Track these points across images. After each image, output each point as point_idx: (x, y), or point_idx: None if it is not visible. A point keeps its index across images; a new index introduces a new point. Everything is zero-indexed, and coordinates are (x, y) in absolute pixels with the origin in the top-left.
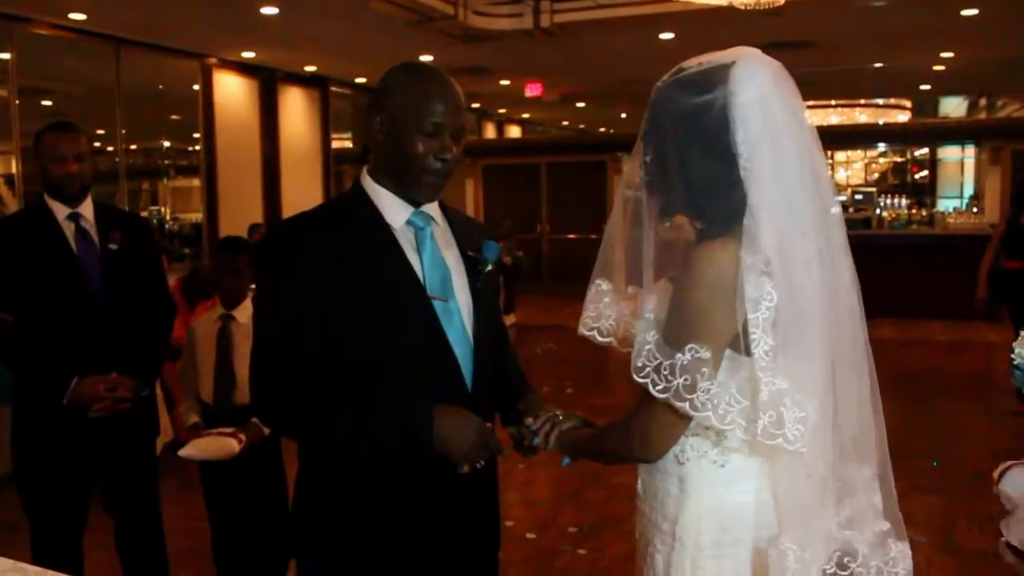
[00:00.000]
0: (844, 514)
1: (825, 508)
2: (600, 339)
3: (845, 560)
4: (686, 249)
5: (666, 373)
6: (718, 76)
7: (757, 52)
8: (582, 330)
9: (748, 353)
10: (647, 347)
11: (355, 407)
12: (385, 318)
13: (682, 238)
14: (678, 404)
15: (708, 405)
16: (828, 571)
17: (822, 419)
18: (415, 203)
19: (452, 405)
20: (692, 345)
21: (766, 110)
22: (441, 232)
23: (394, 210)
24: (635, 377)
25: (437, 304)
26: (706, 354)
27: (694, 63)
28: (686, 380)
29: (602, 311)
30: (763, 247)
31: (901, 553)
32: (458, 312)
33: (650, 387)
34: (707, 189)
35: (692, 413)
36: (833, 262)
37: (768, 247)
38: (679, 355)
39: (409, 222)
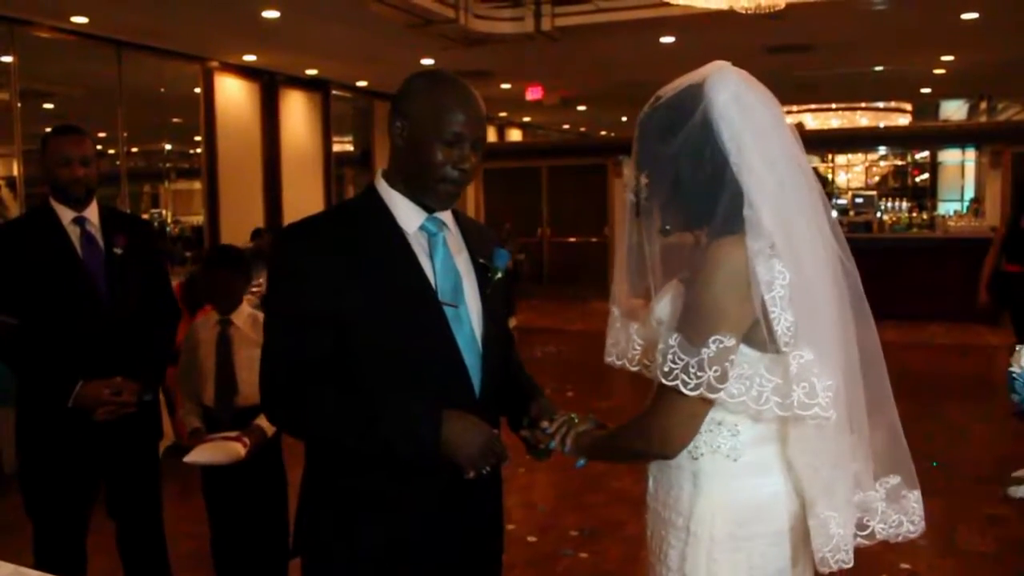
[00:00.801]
0: (849, 478)
1: (844, 474)
2: (616, 363)
3: (864, 520)
4: (692, 252)
5: (695, 370)
6: (694, 92)
7: (726, 64)
8: (607, 359)
9: (771, 336)
10: (671, 351)
11: (364, 410)
12: (397, 322)
13: (686, 241)
14: (713, 396)
15: (743, 388)
16: None
17: (839, 386)
18: (429, 209)
19: (460, 411)
20: (715, 336)
21: (744, 106)
22: (453, 238)
23: (408, 215)
24: (664, 382)
25: (447, 310)
26: (731, 342)
27: (669, 88)
28: (716, 371)
29: (617, 336)
30: (766, 230)
31: (917, 500)
32: (468, 318)
33: (681, 387)
34: (705, 198)
35: (729, 400)
36: (826, 239)
37: (771, 229)
38: (704, 349)
39: (422, 227)
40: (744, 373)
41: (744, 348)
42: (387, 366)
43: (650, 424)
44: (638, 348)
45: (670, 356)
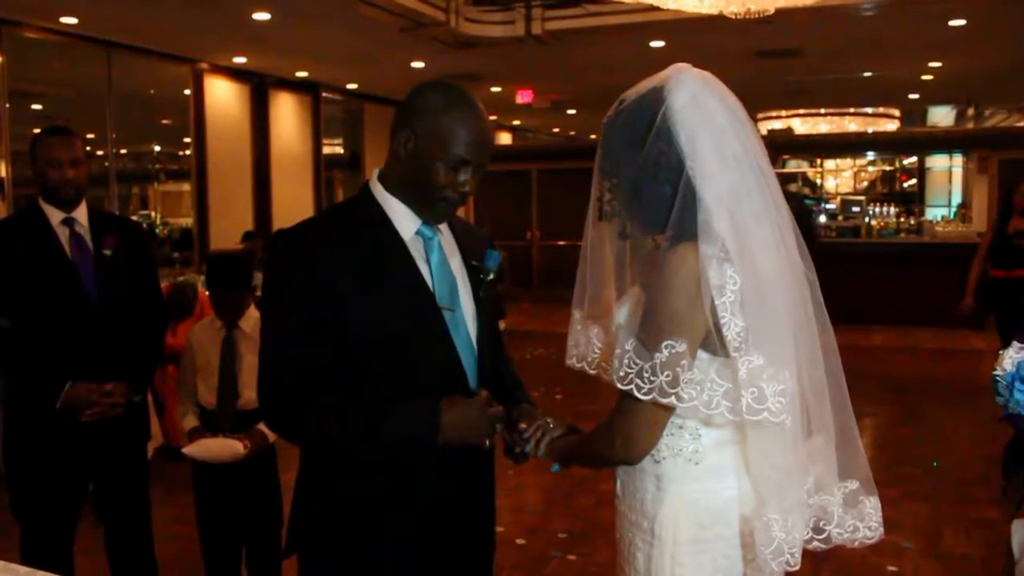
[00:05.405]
0: (810, 481)
1: (799, 477)
2: (576, 365)
3: (821, 524)
4: (652, 257)
5: (648, 375)
6: (655, 96)
7: (687, 66)
8: (568, 361)
9: (721, 341)
10: (627, 355)
11: (364, 412)
12: (398, 328)
13: (646, 247)
14: (664, 400)
15: (693, 393)
16: (805, 537)
17: (794, 390)
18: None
19: (451, 397)
20: (668, 341)
21: (700, 107)
22: (446, 240)
23: (405, 220)
24: (619, 386)
25: (445, 313)
26: (682, 347)
27: (632, 92)
28: (668, 376)
29: (578, 339)
30: (718, 233)
31: (874, 507)
32: (463, 320)
33: (635, 392)
34: (663, 202)
35: (679, 404)
36: (786, 243)
37: (722, 232)
38: (657, 354)
39: (418, 232)
40: (695, 378)
41: (699, 352)
42: (386, 370)
43: (613, 430)
44: (598, 351)
45: (626, 361)
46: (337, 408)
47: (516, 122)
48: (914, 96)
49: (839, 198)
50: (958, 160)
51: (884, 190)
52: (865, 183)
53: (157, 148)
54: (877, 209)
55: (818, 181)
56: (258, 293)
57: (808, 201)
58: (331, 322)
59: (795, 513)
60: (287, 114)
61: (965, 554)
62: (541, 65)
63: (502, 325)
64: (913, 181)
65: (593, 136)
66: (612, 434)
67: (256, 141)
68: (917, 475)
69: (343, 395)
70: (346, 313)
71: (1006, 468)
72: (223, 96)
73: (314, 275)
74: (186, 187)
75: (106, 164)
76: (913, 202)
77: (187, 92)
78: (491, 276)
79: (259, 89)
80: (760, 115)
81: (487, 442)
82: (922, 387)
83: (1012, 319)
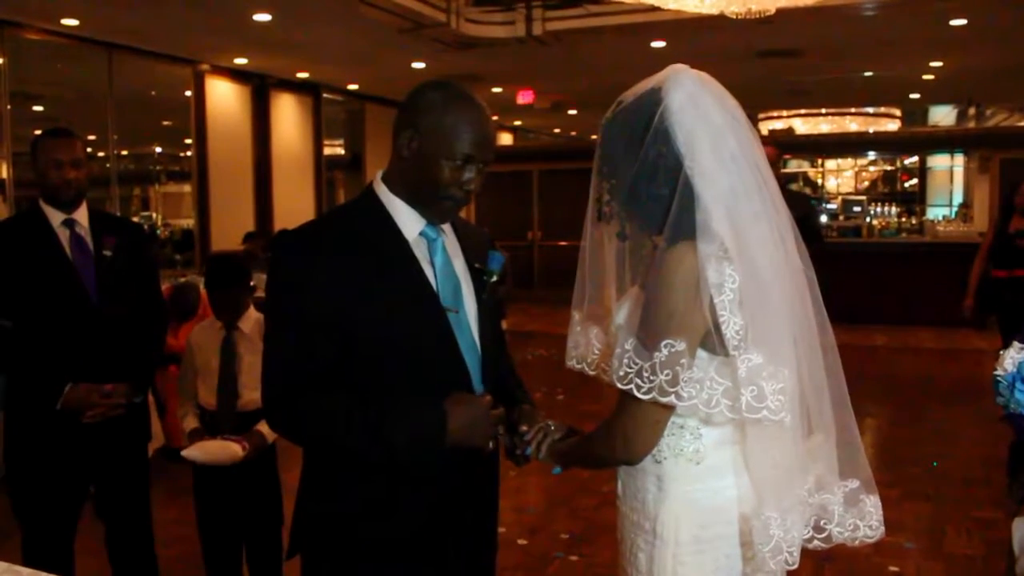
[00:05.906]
0: (810, 480)
1: (799, 476)
2: (576, 366)
3: (821, 523)
4: (651, 257)
5: (648, 374)
6: (652, 97)
7: (684, 67)
8: (567, 362)
9: (720, 339)
10: (627, 355)
11: (369, 414)
12: (402, 329)
13: (645, 247)
14: (664, 399)
15: (693, 392)
16: (806, 536)
17: (793, 389)
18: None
19: (456, 395)
20: (667, 340)
21: (698, 106)
22: (450, 241)
23: (409, 221)
24: (619, 386)
25: (448, 314)
26: (681, 346)
27: (630, 93)
28: (667, 375)
29: (577, 340)
30: (716, 233)
31: (874, 506)
32: (467, 321)
33: (635, 391)
34: (661, 202)
35: (679, 403)
36: (784, 242)
37: (721, 231)
38: (657, 354)
39: (422, 233)
40: (695, 376)
41: (699, 351)
42: (391, 371)
43: (613, 431)
44: (597, 352)
45: (625, 360)
46: (341, 409)
47: (517, 123)
48: (915, 96)
49: (840, 198)
50: (959, 160)
51: (885, 190)
52: (866, 183)
53: (158, 149)
54: (878, 209)
55: (819, 181)
56: (258, 294)
57: (811, 202)
58: (335, 323)
59: (794, 512)
60: (288, 115)
61: (967, 554)
62: (542, 65)
63: (504, 325)
64: (914, 181)
65: (594, 137)
66: (612, 434)
67: (257, 142)
68: (918, 475)
69: (347, 396)
70: (350, 314)
71: (1011, 468)
72: (224, 97)
73: (318, 277)
74: (187, 188)
75: (107, 165)
76: (914, 202)
77: (188, 93)
78: (494, 277)
79: (260, 90)
80: (761, 115)
81: (490, 444)
82: (923, 387)
83: (1013, 319)
